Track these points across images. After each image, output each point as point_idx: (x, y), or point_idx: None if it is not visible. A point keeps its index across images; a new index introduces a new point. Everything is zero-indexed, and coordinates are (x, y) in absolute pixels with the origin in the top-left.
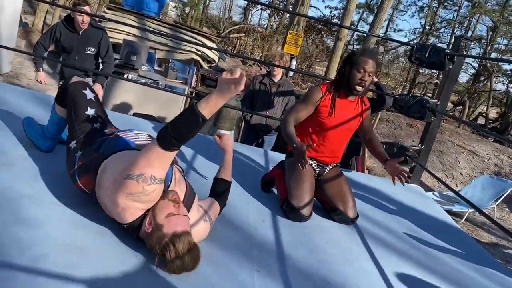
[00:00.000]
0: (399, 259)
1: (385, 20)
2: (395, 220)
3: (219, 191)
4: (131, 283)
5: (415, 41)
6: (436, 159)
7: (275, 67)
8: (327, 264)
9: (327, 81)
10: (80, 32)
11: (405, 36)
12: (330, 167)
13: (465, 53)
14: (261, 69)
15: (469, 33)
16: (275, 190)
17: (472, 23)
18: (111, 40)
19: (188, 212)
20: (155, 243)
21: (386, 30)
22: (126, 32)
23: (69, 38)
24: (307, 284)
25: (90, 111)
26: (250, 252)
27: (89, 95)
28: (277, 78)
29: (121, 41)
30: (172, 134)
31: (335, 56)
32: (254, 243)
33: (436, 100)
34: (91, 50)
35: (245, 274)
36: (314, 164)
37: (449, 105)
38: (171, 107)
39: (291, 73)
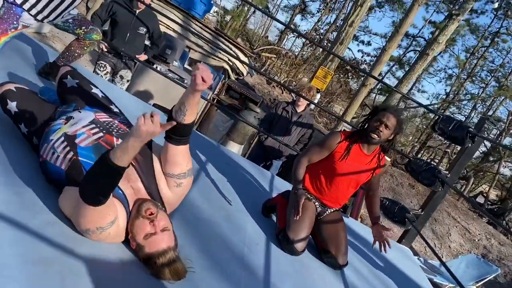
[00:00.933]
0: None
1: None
2: (379, 277)
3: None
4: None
5: (436, 106)
6: (429, 226)
7: (300, 98)
8: None
9: (348, 130)
10: (137, 11)
11: (427, 99)
12: (332, 210)
13: (486, 134)
14: (283, 92)
15: (490, 112)
16: (274, 217)
17: (495, 103)
18: None
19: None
20: (142, 259)
21: (411, 88)
22: (167, 25)
23: (125, 14)
24: None
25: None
26: (239, 273)
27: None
28: (300, 109)
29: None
30: (94, 191)
31: (357, 100)
32: (245, 264)
33: (447, 172)
34: (143, 31)
35: None
36: (317, 204)
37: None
38: None
39: (312, 106)
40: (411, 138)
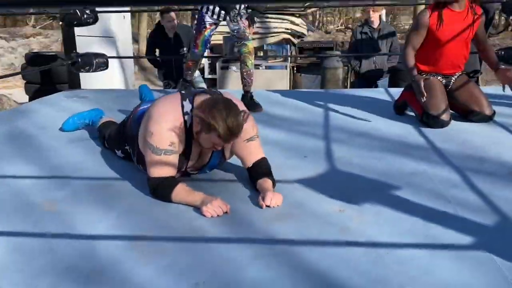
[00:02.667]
0: None
1: None
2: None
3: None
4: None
5: None
6: None
7: (371, 13)
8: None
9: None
10: (171, 37)
11: None
12: (456, 77)
13: None
14: (345, 33)
15: None
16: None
17: None
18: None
19: None
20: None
21: None
22: (221, 31)
23: (163, 43)
24: None
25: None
26: None
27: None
28: (375, 24)
29: (221, 41)
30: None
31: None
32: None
33: None
34: (184, 50)
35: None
36: (440, 77)
37: None
38: (279, 82)
39: (383, 15)
40: None
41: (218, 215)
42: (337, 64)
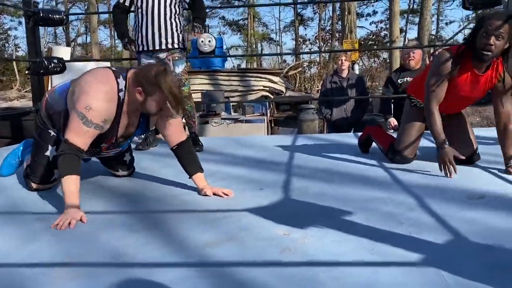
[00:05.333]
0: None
1: (432, 15)
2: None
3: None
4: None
5: (469, 27)
6: None
7: (340, 63)
8: None
9: (453, 46)
10: None
11: (459, 26)
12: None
13: None
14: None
15: None
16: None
17: None
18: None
19: None
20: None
21: (438, 25)
22: (200, 90)
23: None
24: None
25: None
26: None
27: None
28: (345, 74)
29: (199, 98)
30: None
31: (394, 59)
32: None
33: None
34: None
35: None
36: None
37: None
38: (258, 134)
39: (356, 71)
40: None
41: (60, 228)
42: (313, 117)
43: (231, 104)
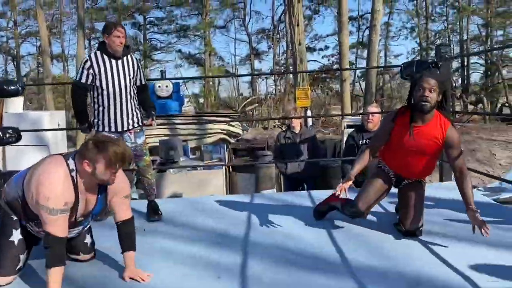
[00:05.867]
0: (445, 239)
1: (380, 50)
2: (436, 212)
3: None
4: None
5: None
6: (472, 159)
7: (292, 121)
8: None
9: (399, 108)
10: None
11: (407, 58)
12: (409, 181)
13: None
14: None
15: (465, 36)
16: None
17: (463, 26)
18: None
19: None
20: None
21: (386, 59)
22: (157, 134)
23: None
24: None
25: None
26: None
27: None
28: (297, 129)
29: (157, 143)
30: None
31: (345, 96)
32: None
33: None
34: None
35: None
36: (391, 173)
37: (470, 106)
38: (215, 182)
39: (310, 123)
40: None
41: None
42: (270, 163)
43: (189, 147)
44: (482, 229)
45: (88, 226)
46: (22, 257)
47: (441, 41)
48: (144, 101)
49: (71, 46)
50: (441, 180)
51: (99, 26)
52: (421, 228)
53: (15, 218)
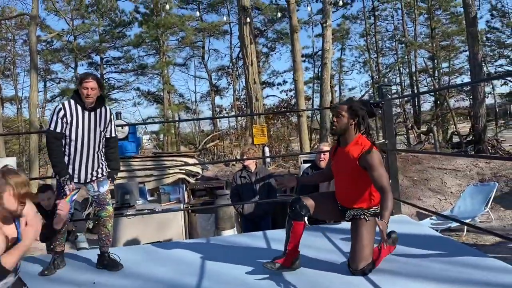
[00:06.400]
0: (394, 276)
1: (335, 85)
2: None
3: None
4: None
5: (371, 92)
6: (425, 188)
7: (248, 161)
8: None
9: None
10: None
11: (360, 90)
12: (352, 212)
13: (389, 96)
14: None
15: (413, 68)
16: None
17: (411, 59)
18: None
19: None
20: None
21: (340, 93)
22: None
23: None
24: None
25: None
26: None
27: None
28: (252, 168)
29: (112, 187)
30: None
31: (303, 130)
32: None
33: (384, 140)
34: None
35: None
36: (338, 204)
37: (422, 136)
38: (174, 224)
39: (268, 160)
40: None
41: None
42: (229, 202)
43: (147, 189)
44: (382, 244)
45: (15, 275)
46: None
47: (392, 73)
48: (110, 158)
49: (25, 89)
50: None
51: (55, 67)
52: (364, 268)
53: None
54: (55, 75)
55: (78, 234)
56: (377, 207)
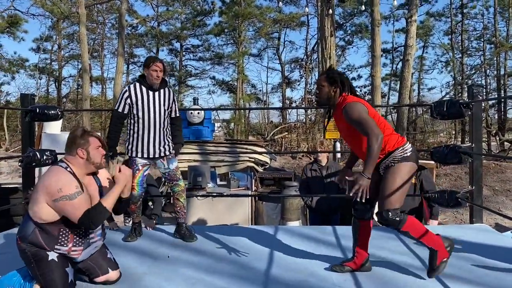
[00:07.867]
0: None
1: (413, 83)
2: (464, 257)
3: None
4: None
5: (450, 94)
6: (506, 199)
7: (319, 154)
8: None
9: None
10: None
11: (440, 91)
12: (379, 166)
13: (480, 97)
14: (311, 159)
15: (502, 71)
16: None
17: (501, 62)
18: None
19: None
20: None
21: (419, 92)
22: (188, 159)
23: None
24: None
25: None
26: None
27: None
28: (323, 162)
29: (186, 168)
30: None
31: None
32: None
33: (470, 144)
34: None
35: None
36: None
37: (506, 144)
38: (241, 210)
39: (338, 155)
40: (451, 132)
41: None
42: (296, 194)
43: (218, 173)
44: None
45: (103, 239)
46: (68, 269)
47: (477, 75)
48: (175, 134)
49: (110, 70)
50: (471, 222)
51: (138, 51)
52: (389, 210)
53: (42, 252)
54: (137, 58)
55: (153, 215)
56: (398, 147)
